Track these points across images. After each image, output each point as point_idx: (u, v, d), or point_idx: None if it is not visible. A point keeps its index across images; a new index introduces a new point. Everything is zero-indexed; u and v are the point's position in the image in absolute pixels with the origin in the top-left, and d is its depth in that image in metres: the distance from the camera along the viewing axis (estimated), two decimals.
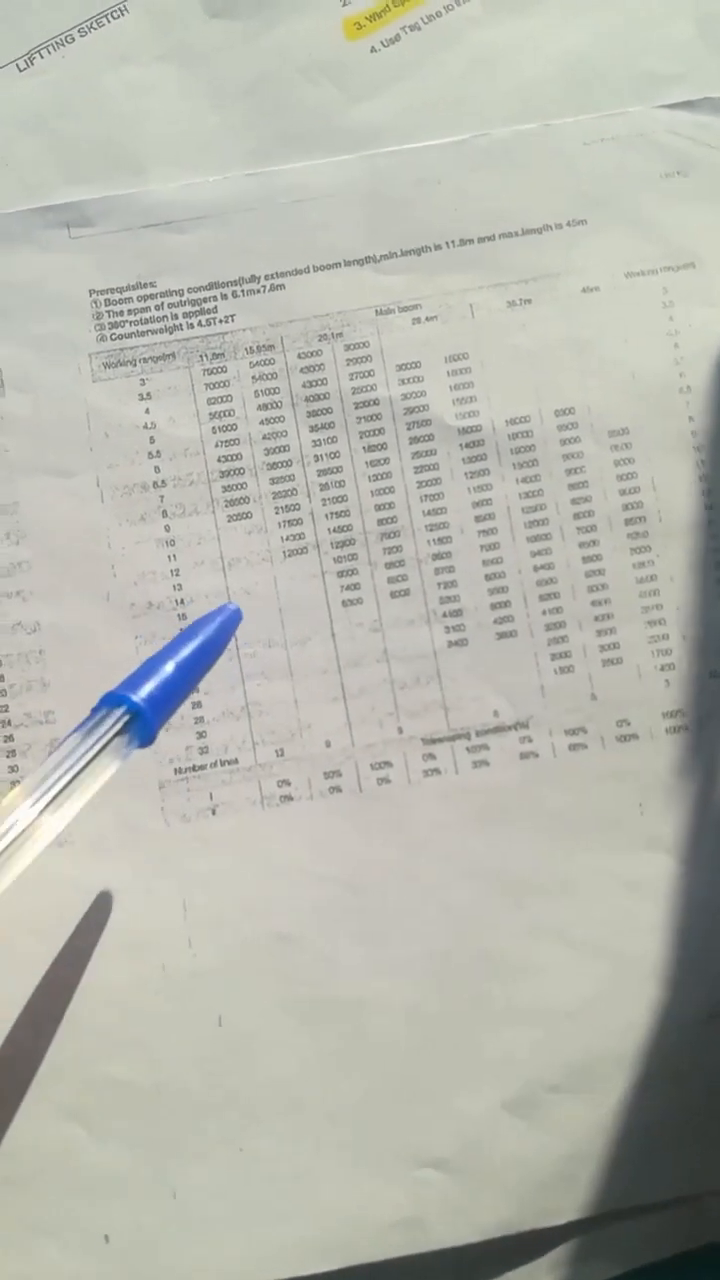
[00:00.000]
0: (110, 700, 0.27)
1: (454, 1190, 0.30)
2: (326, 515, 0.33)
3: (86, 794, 0.26)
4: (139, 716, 0.27)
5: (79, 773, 0.26)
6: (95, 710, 0.27)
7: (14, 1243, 0.30)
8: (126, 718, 0.27)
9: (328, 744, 0.32)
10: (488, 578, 0.33)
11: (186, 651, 0.29)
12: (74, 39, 0.34)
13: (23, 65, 0.34)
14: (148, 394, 0.33)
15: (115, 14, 0.34)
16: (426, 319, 0.33)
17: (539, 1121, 0.31)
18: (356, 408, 0.33)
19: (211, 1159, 0.31)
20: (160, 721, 0.27)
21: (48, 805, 0.25)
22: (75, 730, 0.27)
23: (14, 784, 0.32)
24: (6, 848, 0.24)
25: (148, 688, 0.27)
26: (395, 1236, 0.30)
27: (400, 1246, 0.30)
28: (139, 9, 0.34)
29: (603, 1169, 0.31)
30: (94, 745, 0.26)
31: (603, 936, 0.31)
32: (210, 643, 0.29)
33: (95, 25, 0.34)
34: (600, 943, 0.31)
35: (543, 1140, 0.31)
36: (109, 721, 0.27)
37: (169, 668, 0.28)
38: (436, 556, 0.33)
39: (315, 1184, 0.31)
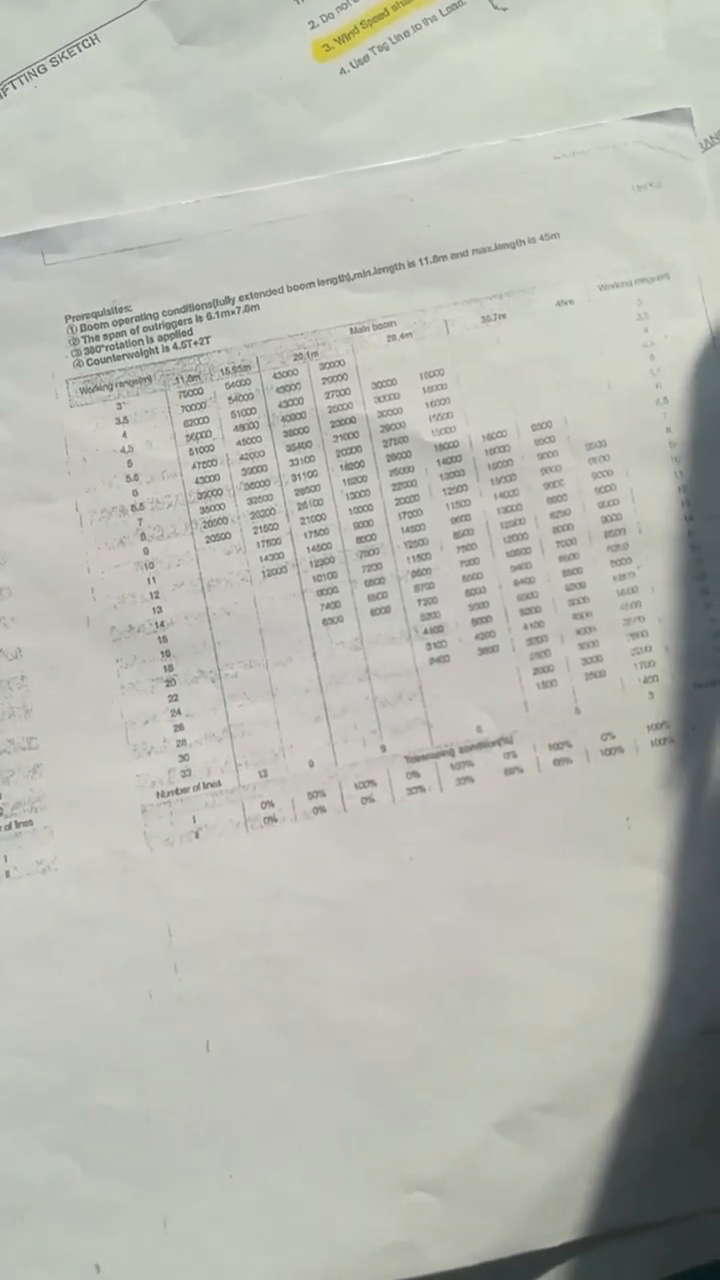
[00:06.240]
0: None
1: (446, 1214, 0.30)
2: (305, 534, 0.33)
3: None
4: None
5: None
6: None
7: (5, 1275, 0.30)
8: None
9: (311, 764, 0.32)
10: (468, 593, 0.32)
11: None
12: (46, 69, 0.34)
13: None
14: (125, 418, 0.33)
15: (86, 43, 0.34)
16: (401, 336, 0.33)
17: (531, 1142, 0.30)
18: (333, 426, 0.33)
19: (202, 1187, 0.30)
20: None
21: None
22: None
23: None
24: None
25: None
26: (388, 1261, 0.30)
27: (393, 1271, 0.30)
28: (109, 38, 0.34)
29: (597, 1189, 0.30)
30: None
31: (592, 953, 0.31)
32: None
33: (66, 55, 0.34)
34: (589, 959, 0.31)
35: (535, 1161, 0.30)
36: None
37: None
38: (416, 573, 0.32)
39: (307, 1210, 0.30)
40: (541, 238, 0.34)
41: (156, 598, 0.32)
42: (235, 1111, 0.31)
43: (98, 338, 0.33)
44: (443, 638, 0.32)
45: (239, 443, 0.33)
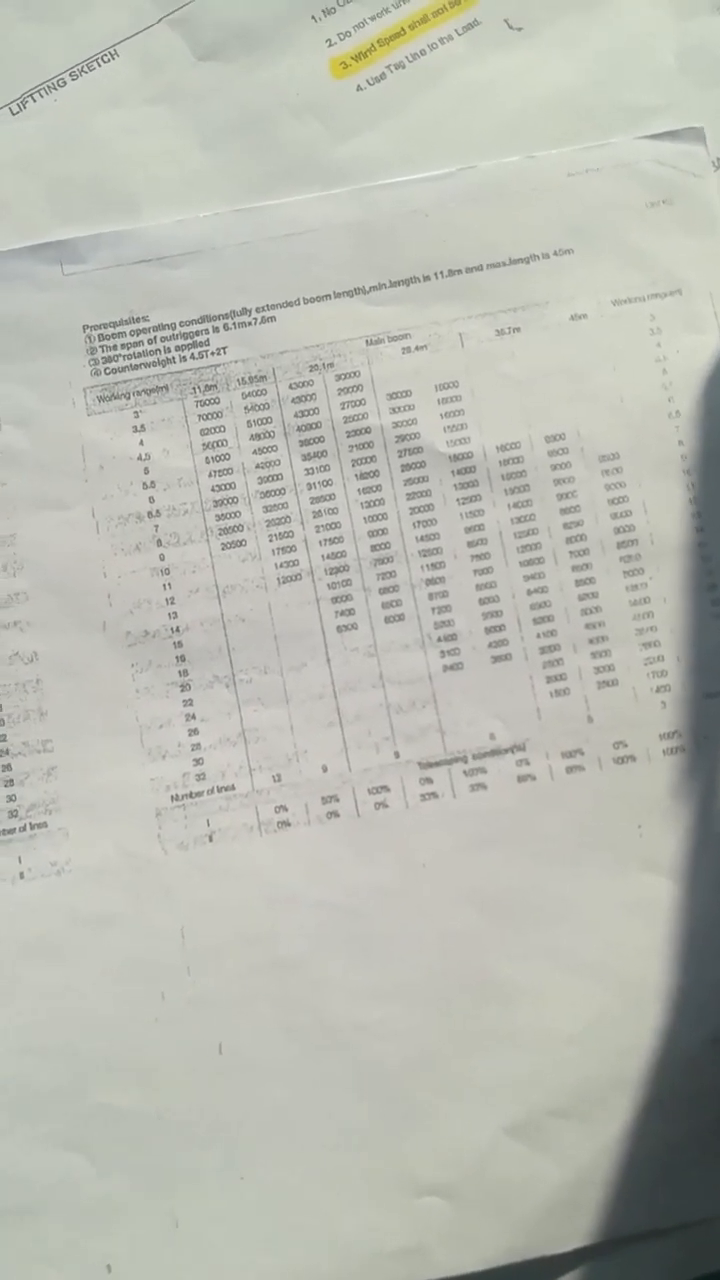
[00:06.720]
0: None
1: (456, 1218, 0.30)
2: (320, 542, 0.33)
3: None
4: None
5: None
6: None
7: (16, 1273, 0.30)
8: None
9: (324, 769, 0.32)
10: (482, 602, 0.33)
11: None
12: (65, 83, 0.35)
13: (15, 109, 0.34)
14: (141, 426, 0.33)
15: (105, 58, 0.35)
16: (416, 348, 0.34)
17: (541, 1147, 0.30)
18: (348, 436, 0.33)
19: (213, 1187, 0.31)
20: None
21: None
22: None
23: (12, 813, 0.32)
24: None
25: None
26: (397, 1265, 0.30)
27: (403, 1275, 0.30)
28: (129, 53, 0.35)
29: (607, 1194, 0.30)
30: None
31: (602, 960, 0.31)
32: None
33: (86, 69, 0.35)
34: (600, 966, 0.31)
35: (545, 1166, 0.30)
36: None
37: None
38: (430, 582, 0.33)
39: (317, 1212, 0.30)
40: (555, 253, 0.34)
41: (172, 603, 0.33)
42: (246, 1113, 0.31)
43: (115, 347, 0.34)
44: (456, 645, 0.33)
45: (255, 451, 0.33)
